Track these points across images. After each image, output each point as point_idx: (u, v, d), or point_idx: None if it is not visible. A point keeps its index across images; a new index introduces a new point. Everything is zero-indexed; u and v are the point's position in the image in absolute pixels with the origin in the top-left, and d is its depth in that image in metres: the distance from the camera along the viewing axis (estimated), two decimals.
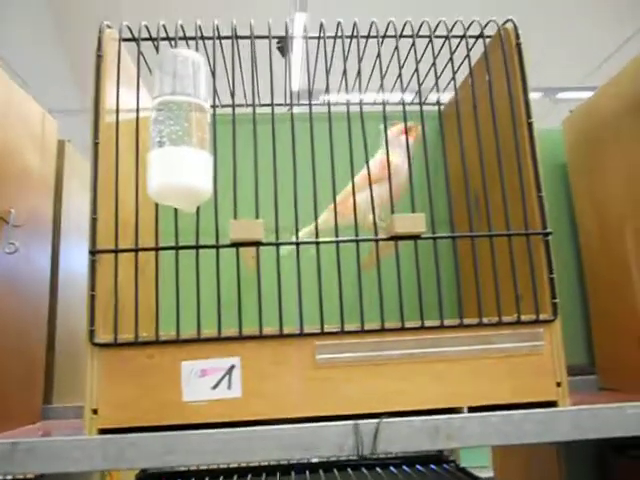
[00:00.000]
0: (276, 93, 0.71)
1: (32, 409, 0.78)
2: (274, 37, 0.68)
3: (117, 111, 0.62)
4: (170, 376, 0.57)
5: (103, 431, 0.55)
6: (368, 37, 0.69)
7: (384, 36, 0.68)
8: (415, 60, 0.69)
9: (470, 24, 0.69)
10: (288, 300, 0.60)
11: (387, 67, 0.70)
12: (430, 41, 0.68)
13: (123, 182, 0.61)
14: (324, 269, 0.61)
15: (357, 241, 0.61)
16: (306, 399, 0.58)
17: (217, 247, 0.60)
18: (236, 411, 0.57)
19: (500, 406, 0.58)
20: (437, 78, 0.69)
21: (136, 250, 0.59)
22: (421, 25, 0.68)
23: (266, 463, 0.90)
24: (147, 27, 0.65)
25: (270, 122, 0.65)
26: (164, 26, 0.66)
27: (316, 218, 0.62)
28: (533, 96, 0.65)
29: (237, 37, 0.68)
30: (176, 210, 0.59)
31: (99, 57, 0.63)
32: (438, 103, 0.86)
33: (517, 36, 0.67)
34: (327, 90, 0.75)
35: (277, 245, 0.60)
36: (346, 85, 0.67)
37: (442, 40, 0.69)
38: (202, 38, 0.66)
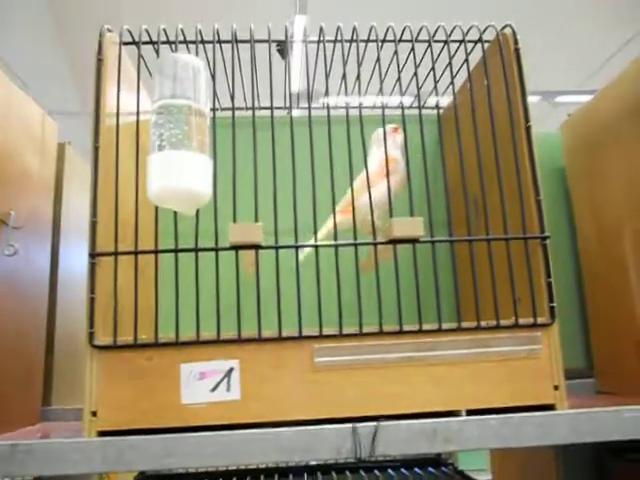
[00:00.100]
0: (276, 96, 0.71)
1: (31, 411, 0.79)
2: (274, 41, 0.68)
3: (117, 114, 0.62)
4: (169, 378, 0.57)
5: (102, 433, 0.56)
6: (367, 41, 0.70)
7: (383, 40, 0.69)
8: (414, 64, 0.69)
9: (469, 29, 0.69)
10: (287, 303, 0.60)
11: (386, 71, 0.70)
12: (429, 46, 0.69)
13: (123, 185, 0.61)
14: (323, 272, 0.61)
15: (355, 245, 0.62)
16: (304, 402, 0.58)
17: (216, 250, 0.60)
18: (235, 414, 0.57)
19: (498, 409, 0.58)
20: (436, 82, 0.70)
21: (136, 253, 0.60)
22: (420, 30, 0.69)
23: (264, 466, 0.90)
24: (147, 31, 0.66)
25: (270, 125, 0.65)
26: (164, 30, 0.66)
27: (315, 222, 0.62)
28: (532, 99, 0.66)
29: (237, 41, 0.68)
30: (176, 213, 0.59)
31: (99, 61, 0.64)
32: (437, 107, 0.87)
33: (516, 41, 0.67)
34: (326, 93, 0.76)
35: (276, 248, 0.60)
36: (345, 89, 0.68)
37: (441, 45, 0.69)
38: (202, 42, 0.67)
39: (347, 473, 0.87)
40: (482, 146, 0.65)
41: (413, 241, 0.61)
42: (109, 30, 0.65)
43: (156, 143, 0.54)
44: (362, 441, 0.55)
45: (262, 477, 0.88)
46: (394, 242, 0.61)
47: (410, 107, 0.80)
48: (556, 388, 0.60)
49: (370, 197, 0.63)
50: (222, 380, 0.57)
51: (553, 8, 3.03)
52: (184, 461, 0.53)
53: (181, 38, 0.66)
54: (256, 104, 0.68)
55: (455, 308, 0.61)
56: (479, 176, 0.65)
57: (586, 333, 0.90)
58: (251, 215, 0.61)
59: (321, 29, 0.69)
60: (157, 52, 0.67)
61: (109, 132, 0.62)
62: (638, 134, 0.75)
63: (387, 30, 0.68)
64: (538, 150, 0.65)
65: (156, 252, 0.61)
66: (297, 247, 0.61)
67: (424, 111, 0.68)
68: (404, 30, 0.69)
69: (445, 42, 0.69)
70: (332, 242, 0.62)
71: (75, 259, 0.94)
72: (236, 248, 0.59)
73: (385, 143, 0.65)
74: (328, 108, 0.66)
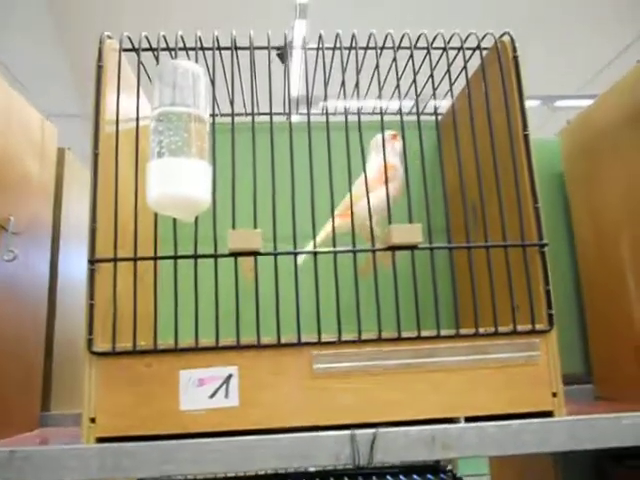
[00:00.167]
0: (275, 101, 0.72)
1: (30, 416, 0.78)
2: (273, 48, 0.69)
3: (117, 121, 0.63)
4: (168, 385, 0.57)
5: (101, 440, 0.56)
6: (367, 48, 0.70)
7: (382, 47, 0.69)
8: (413, 71, 0.69)
9: (467, 36, 0.69)
10: (286, 309, 0.60)
11: (385, 78, 0.70)
12: (428, 53, 0.69)
13: (122, 191, 0.62)
14: (322, 278, 0.61)
15: (354, 252, 0.62)
16: (303, 408, 0.58)
17: (215, 257, 0.60)
18: (233, 420, 0.57)
19: (496, 416, 0.58)
20: (434, 89, 0.70)
21: (135, 259, 0.60)
22: (419, 37, 0.69)
23: (263, 472, 0.90)
24: (147, 37, 0.66)
25: (269, 131, 0.65)
26: (164, 36, 0.67)
27: (314, 228, 0.62)
28: (531, 104, 0.66)
29: (236, 48, 0.68)
30: (175, 220, 0.60)
31: (99, 67, 0.64)
32: (435, 113, 0.87)
33: (514, 49, 0.68)
34: (325, 99, 0.76)
35: (275, 255, 0.61)
36: (344, 95, 0.68)
37: (440, 52, 0.69)
38: (202, 49, 0.67)
39: (345, 479, 0.87)
40: (481, 153, 0.66)
41: (412, 248, 0.61)
42: (109, 37, 0.66)
43: (155, 150, 0.55)
44: (360, 448, 0.55)
45: None
46: (393, 249, 0.61)
47: (409, 113, 0.80)
48: (554, 395, 0.60)
49: (369, 203, 0.63)
50: (221, 387, 0.57)
51: (553, 14, 3.03)
52: (182, 468, 0.53)
53: (181, 45, 0.67)
54: (255, 110, 0.68)
55: (454, 315, 0.61)
56: (478, 183, 0.65)
57: (585, 339, 0.90)
58: (250, 221, 0.61)
59: (320, 36, 0.69)
60: (157, 59, 0.67)
61: (109, 138, 0.62)
62: (636, 141, 0.75)
63: (386, 37, 0.69)
64: (537, 156, 0.65)
65: (155, 259, 0.61)
66: (296, 253, 0.61)
67: (423, 117, 0.69)
68: (403, 37, 0.69)
69: (444, 49, 0.69)
70: (330, 249, 0.63)
71: (75, 264, 0.94)
72: (235, 255, 0.60)
73: (384, 149, 0.65)
74: (327, 114, 0.66)
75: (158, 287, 0.61)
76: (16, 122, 0.78)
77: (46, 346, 0.84)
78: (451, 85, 0.71)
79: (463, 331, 0.60)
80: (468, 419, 0.58)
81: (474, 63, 0.71)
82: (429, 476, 0.75)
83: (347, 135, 0.65)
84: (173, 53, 0.66)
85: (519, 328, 0.61)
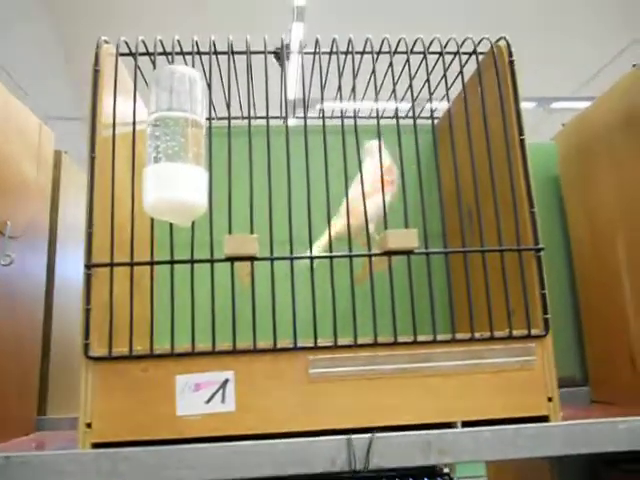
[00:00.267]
0: (272, 104, 0.72)
1: (26, 421, 0.78)
2: (270, 52, 0.69)
3: (114, 125, 0.63)
4: (164, 390, 0.57)
5: (97, 445, 0.56)
6: (363, 53, 0.70)
7: (379, 52, 0.69)
8: (409, 76, 0.69)
9: (464, 41, 0.70)
10: (282, 314, 0.60)
11: (382, 83, 0.71)
12: (424, 57, 0.69)
13: (119, 195, 0.62)
14: (318, 283, 0.61)
15: (350, 257, 0.62)
16: (299, 413, 0.58)
17: (212, 261, 0.60)
18: (230, 425, 0.57)
19: (492, 420, 0.58)
20: (431, 94, 0.70)
21: (131, 264, 0.60)
22: (415, 42, 0.69)
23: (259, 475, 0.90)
24: (144, 42, 0.66)
25: (265, 134, 0.65)
26: (161, 41, 0.67)
27: (310, 232, 0.62)
28: (528, 106, 0.66)
29: (233, 52, 0.68)
30: (171, 224, 0.60)
31: (96, 72, 0.64)
32: (432, 117, 0.87)
33: (510, 53, 0.68)
34: (322, 102, 0.76)
35: (271, 260, 0.61)
36: (340, 99, 0.68)
37: (436, 56, 0.70)
38: (199, 53, 0.67)
39: None
40: (476, 158, 0.66)
41: (408, 253, 0.61)
42: (106, 41, 0.66)
43: (152, 155, 0.55)
44: (357, 453, 0.55)
45: None
46: (389, 254, 0.61)
47: (405, 117, 0.80)
48: (550, 400, 0.60)
49: (365, 208, 0.63)
50: (217, 391, 0.57)
51: (549, 19, 3.05)
52: (178, 473, 0.53)
53: (177, 49, 0.67)
54: (252, 113, 0.68)
55: (450, 319, 0.61)
56: (473, 187, 0.65)
57: (581, 342, 0.90)
58: (246, 226, 0.61)
59: (317, 41, 0.69)
60: (154, 63, 0.67)
61: (105, 142, 0.62)
62: (630, 144, 0.76)
63: (382, 42, 0.69)
64: (532, 159, 0.65)
65: (152, 263, 0.61)
66: (292, 259, 0.61)
67: (419, 121, 0.69)
68: (399, 42, 0.69)
69: (440, 54, 0.69)
70: (327, 253, 0.63)
71: (71, 268, 0.94)
72: (231, 260, 0.60)
73: (380, 154, 0.65)
74: (323, 118, 0.66)
75: (154, 292, 0.61)
76: (13, 126, 0.78)
77: (43, 350, 0.84)
78: (447, 89, 0.71)
79: (459, 336, 0.61)
80: (464, 424, 0.58)
81: (470, 68, 0.72)
82: None
83: (343, 139, 0.65)
84: (170, 57, 0.66)
85: (515, 333, 0.61)
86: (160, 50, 0.66)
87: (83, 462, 0.53)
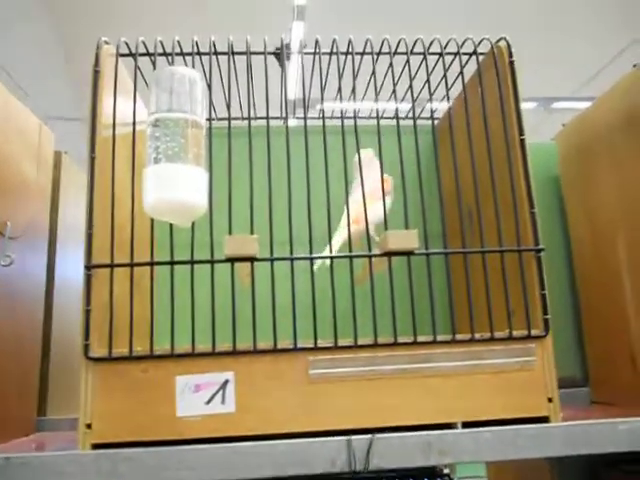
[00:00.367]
0: (272, 104, 0.72)
1: (26, 421, 0.78)
2: (270, 53, 0.69)
3: (114, 126, 0.63)
4: (164, 391, 0.57)
5: (97, 446, 0.56)
6: (363, 54, 0.70)
7: (379, 53, 0.69)
8: (409, 76, 0.69)
9: (464, 41, 0.70)
10: (282, 315, 0.60)
11: (382, 83, 0.71)
12: (424, 58, 0.69)
13: (119, 196, 0.62)
14: (318, 284, 0.61)
15: (351, 257, 0.62)
16: (299, 414, 0.58)
17: (212, 262, 0.60)
18: (230, 426, 0.57)
19: (492, 421, 0.58)
20: (431, 95, 0.70)
21: (131, 265, 0.60)
22: (415, 42, 0.69)
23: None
24: (144, 42, 0.66)
25: (265, 135, 0.65)
26: (161, 42, 0.67)
27: (310, 232, 0.62)
28: (528, 106, 0.66)
29: (233, 53, 0.68)
30: (171, 225, 0.60)
31: (96, 72, 0.64)
32: (432, 118, 0.87)
33: (510, 54, 0.68)
34: (322, 102, 0.76)
35: (271, 261, 0.61)
36: (340, 99, 0.68)
37: (436, 57, 0.69)
38: (199, 54, 0.67)
39: None
40: (477, 158, 0.66)
41: (408, 253, 0.61)
42: (106, 42, 0.66)
43: (152, 156, 0.55)
44: (357, 453, 0.55)
45: None
46: (389, 254, 0.61)
47: (405, 117, 0.80)
48: (550, 400, 0.60)
49: (365, 213, 0.63)
50: (217, 392, 0.57)
51: (550, 19, 3.05)
52: (178, 474, 0.53)
53: (177, 50, 0.67)
54: (252, 114, 0.68)
55: (450, 320, 0.61)
56: (474, 188, 0.65)
57: (581, 342, 0.90)
58: (247, 226, 0.61)
59: (317, 41, 0.69)
60: (154, 64, 0.67)
61: (105, 143, 0.62)
62: (630, 144, 0.76)
63: (382, 42, 0.69)
64: (532, 159, 0.65)
65: (152, 264, 0.61)
66: (292, 259, 0.61)
67: (419, 121, 0.69)
68: (399, 42, 0.69)
69: (440, 54, 0.69)
70: (327, 254, 0.63)
71: (71, 268, 0.94)
72: (232, 260, 0.60)
73: (381, 161, 0.65)
74: (323, 118, 0.66)
75: (155, 292, 0.61)
76: (13, 126, 0.78)
77: (43, 350, 0.84)
78: (447, 90, 0.71)
79: (459, 336, 0.61)
80: (464, 424, 0.58)
81: (470, 68, 0.71)
82: None
83: (343, 139, 0.65)
84: (170, 58, 0.66)
85: (515, 334, 0.61)
86: (160, 51, 0.66)
87: (83, 463, 0.53)
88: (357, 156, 0.67)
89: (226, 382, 0.58)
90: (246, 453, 0.54)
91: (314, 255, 0.62)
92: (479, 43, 0.70)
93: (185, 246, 0.60)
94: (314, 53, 0.70)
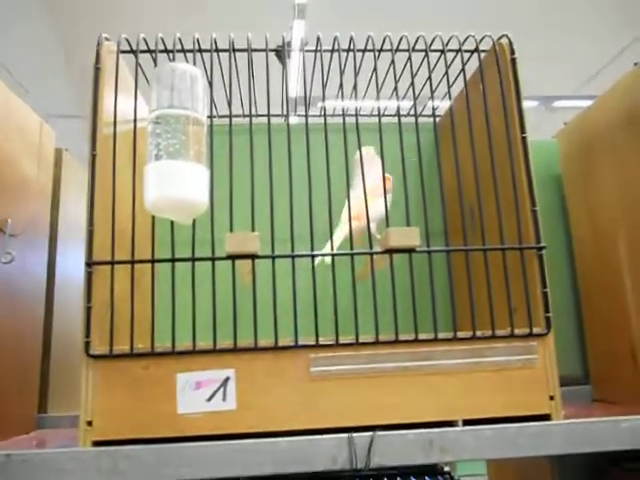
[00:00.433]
0: (273, 102, 0.71)
1: (27, 418, 0.78)
2: (271, 50, 0.69)
3: (115, 123, 0.62)
4: (165, 388, 0.57)
5: (97, 443, 0.56)
6: (364, 51, 0.70)
7: (380, 50, 0.69)
8: (411, 74, 0.69)
9: (466, 39, 0.69)
10: (283, 312, 0.60)
11: (383, 80, 0.70)
12: (426, 55, 0.69)
13: (120, 193, 0.61)
14: (319, 281, 0.61)
15: (352, 255, 0.62)
16: (300, 411, 0.58)
17: (213, 259, 0.60)
18: (231, 423, 0.57)
19: (494, 419, 0.58)
20: (432, 92, 0.70)
21: (132, 262, 0.59)
22: (417, 39, 0.69)
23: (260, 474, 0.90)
24: (145, 39, 0.66)
25: (267, 132, 0.65)
26: (162, 38, 0.66)
27: (312, 230, 0.62)
28: (530, 104, 0.66)
29: (234, 50, 0.68)
30: (172, 222, 0.59)
31: (97, 69, 0.64)
32: (433, 115, 0.87)
33: (512, 51, 0.68)
34: (323, 100, 0.76)
35: (272, 258, 0.60)
36: (342, 97, 0.68)
37: (438, 54, 0.69)
38: (200, 51, 0.67)
39: None
40: (478, 156, 0.66)
41: (409, 251, 0.61)
42: (107, 39, 0.65)
43: (153, 153, 0.54)
44: (358, 451, 0.55)
45: None
46: (390, 252, 0.61)
47: (407, 115, 0.80)
48: (552, 398, 0.60)
49: (367, 209, 0.63)
50: (218, 390, 0.57)
51: (551, 17, 3.04)
52: (179, 471, 0.53)
53: (179, 47, 0.67)
54: (253, 111, 0.68)
55: (451, 318, 0.61)
56: (475, 186, 0.65)
57: (582, 340, 0.90)
58: (248, 224, 0.61)
59: (318, 38, 0.69)
60: (155, 61, 0.67)
61: (106, 140, 0.62)
62: (631, 142, 0.76)
63: (384, 40, 0.69)
64: (534, 157, 0.65)
65: (153, 261, 0.61)
66: (293, 257, 0.61)
67: (421, 119, 0.69)
68: (401, 40, 0.69)
69: (442, 52, 0.69)
70: (328, 251, 0.62)
71: (72, 265, 0.94)
72: (233, 258, 0.59)
73: (382, 159, 0.65)
74: (325, 116, 0.66)
75: (155, 290, 0.61)
76: (14, 124, 0.78)
77: (43, 348, 0.84)
78: (449, 87, 0.71)
79: (460, 334, 0.60)
80: (465, 422, 0.58)
81: (472, 65, 0.71)
82: (427, 478, 0.75)
83: (345, 137, 0.65)
84: (171, 55, 0.66)
85: (516, 331, 0.61)
86: (161, 47, 0.66)
87: (84, 460, 0.53)
88: (358, 153, 0.67)
89: (227, 379, 0.57)
90: (247, 450, 0.54)
91: (315, 252, 0.62)
92: (481, 40, 0.70)
93: (186, 243, 0.60)
94: (315, 50, 0.70)
